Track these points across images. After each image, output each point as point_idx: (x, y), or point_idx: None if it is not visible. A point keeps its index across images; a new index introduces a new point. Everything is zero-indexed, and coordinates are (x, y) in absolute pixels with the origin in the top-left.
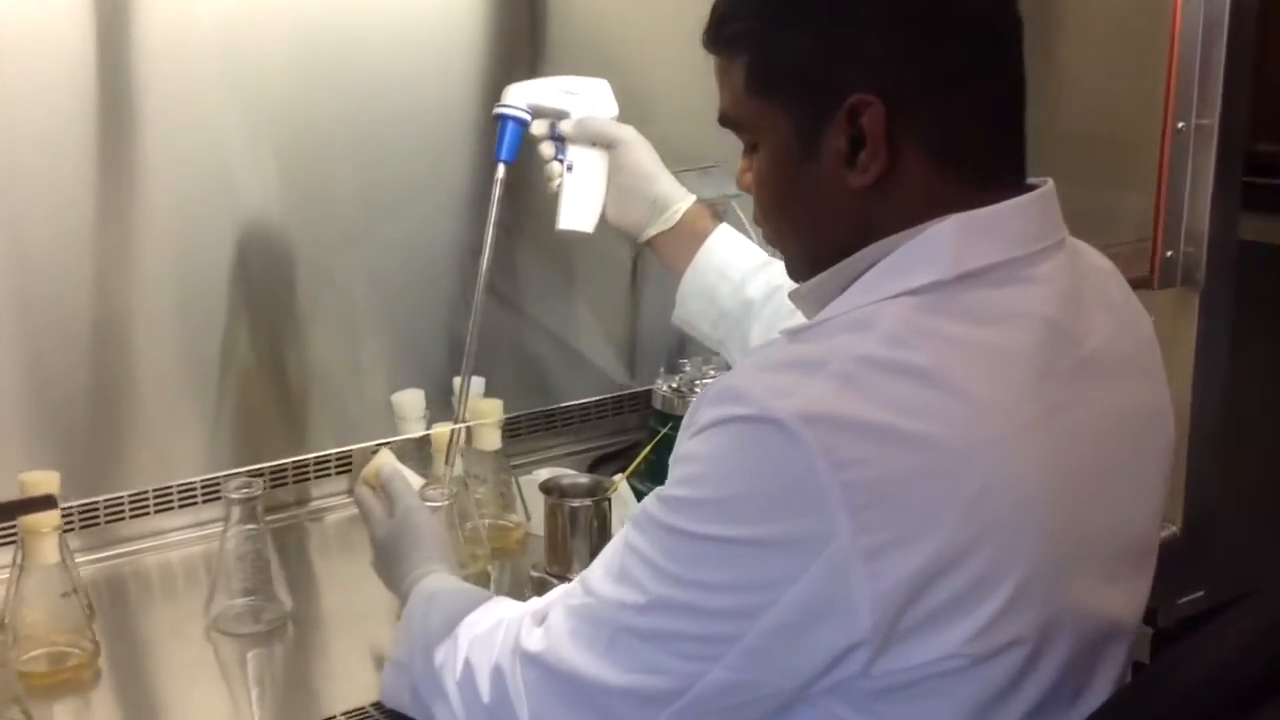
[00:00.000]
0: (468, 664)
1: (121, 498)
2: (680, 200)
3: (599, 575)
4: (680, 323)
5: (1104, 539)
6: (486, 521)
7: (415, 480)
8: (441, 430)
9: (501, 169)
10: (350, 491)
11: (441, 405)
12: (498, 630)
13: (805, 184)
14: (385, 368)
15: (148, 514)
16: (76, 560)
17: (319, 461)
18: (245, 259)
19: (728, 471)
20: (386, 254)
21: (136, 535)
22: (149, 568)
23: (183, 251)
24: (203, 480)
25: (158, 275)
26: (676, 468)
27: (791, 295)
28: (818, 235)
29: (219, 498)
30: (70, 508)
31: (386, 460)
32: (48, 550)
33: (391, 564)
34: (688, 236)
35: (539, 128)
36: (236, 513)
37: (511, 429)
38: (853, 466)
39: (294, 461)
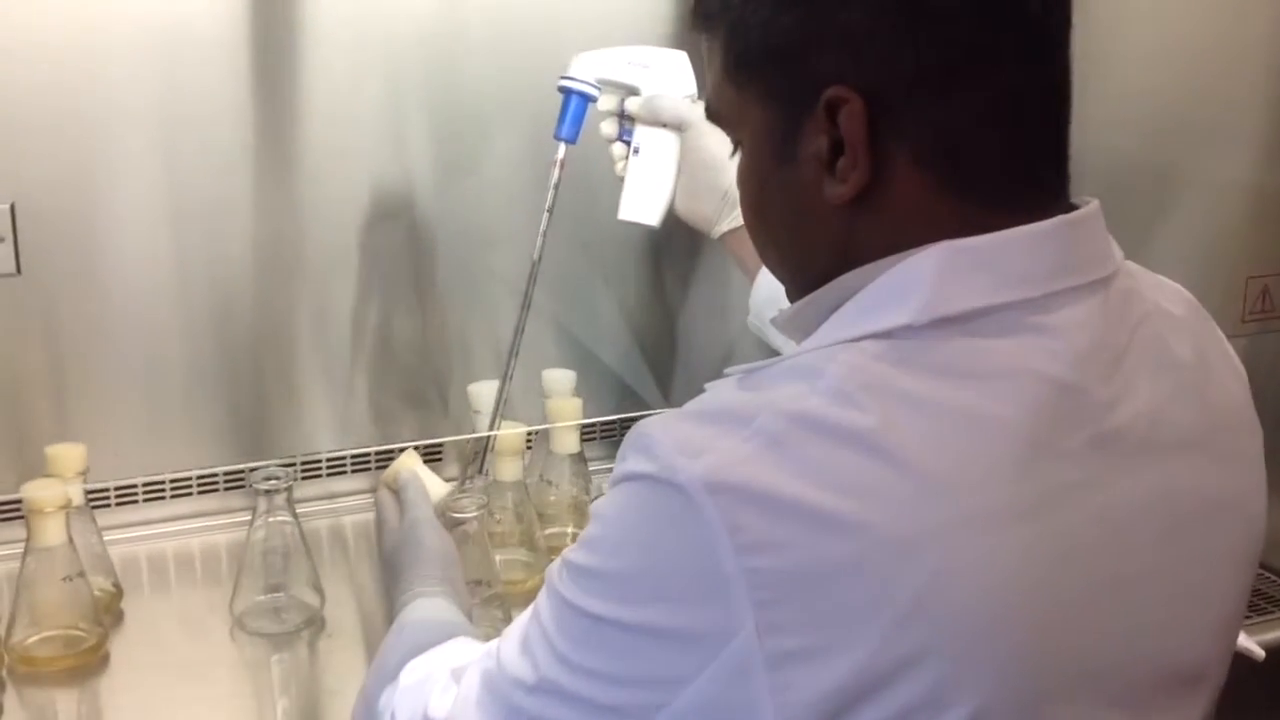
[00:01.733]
0: (393, 718)
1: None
2: None
3: (511, 638)
4: (755, 329)
5: (1128, 662)
6: (548, 530)
7: (439, 488)
8: (516, 431)
9: (563, 149)
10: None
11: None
12: (424, 685)
13: (782, 192)
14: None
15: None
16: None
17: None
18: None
19: (622, 540)
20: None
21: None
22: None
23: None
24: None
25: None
26: (587, 525)
27: (773, 321)
28: (797, 253)
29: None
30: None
31: (406, 464)
32: (53, 531)
33: (390, 580)
34: None
35: (606, 103)
36: (264, 503)
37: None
38: (762, 551)
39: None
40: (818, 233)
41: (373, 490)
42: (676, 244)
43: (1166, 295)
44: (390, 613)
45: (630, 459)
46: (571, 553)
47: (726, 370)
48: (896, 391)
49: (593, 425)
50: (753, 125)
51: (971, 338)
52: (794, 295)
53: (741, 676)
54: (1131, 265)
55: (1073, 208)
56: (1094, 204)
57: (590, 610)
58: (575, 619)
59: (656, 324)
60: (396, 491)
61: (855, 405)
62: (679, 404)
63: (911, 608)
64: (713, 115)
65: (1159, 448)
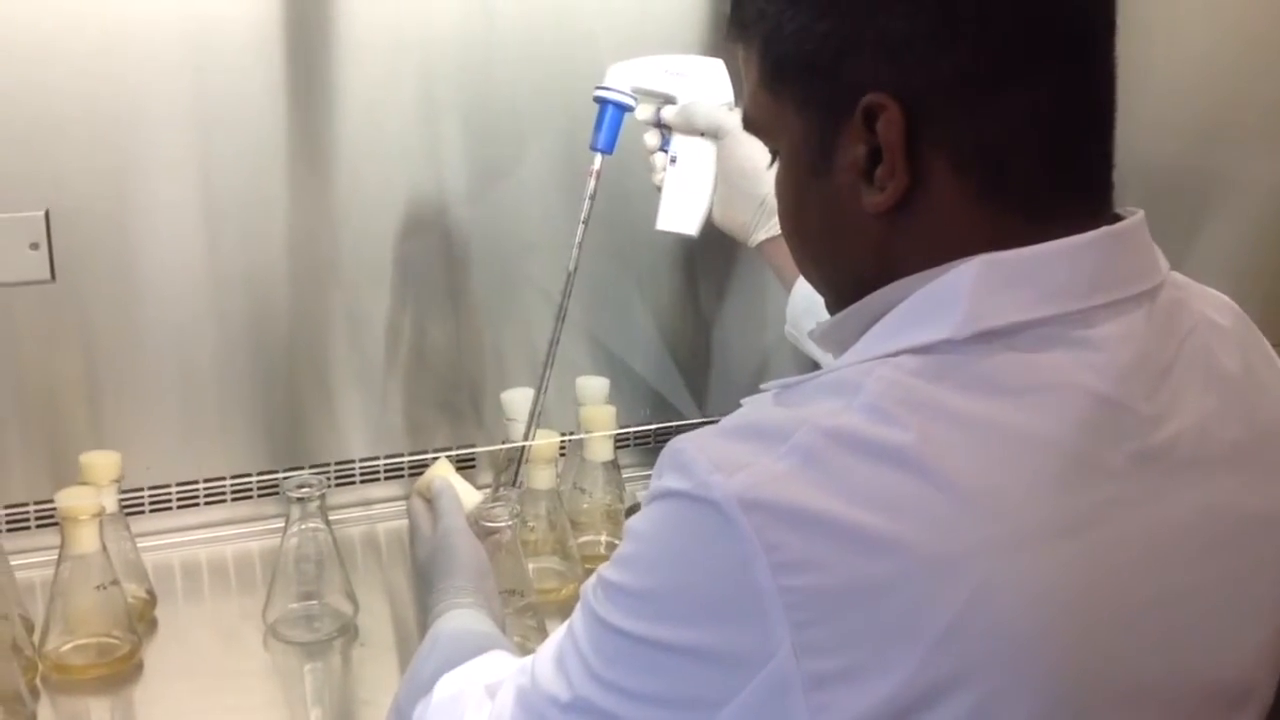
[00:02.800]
0: None
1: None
2: None
3: (545, 655)
4: (792, 338)
5: (1171, 680)
6: (582, 539)
7: (472, 496)
8: (549, 441)
9: (599, 160)
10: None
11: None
12: (458, 701)
13: (820, 200)
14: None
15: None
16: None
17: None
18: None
19: (657, 558)
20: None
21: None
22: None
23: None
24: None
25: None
26: (621, 543)
27: (811, 334)
28: (835, 265)
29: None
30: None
31: (440, 473)
32: (87, 539)
33: (423, 590)
34: None
35: (644, 112)
36: (297, 511)
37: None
38: (799, 570)
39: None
40: (855, 242)
41: (406, 497)
42: (712, 252)
43: (1213, 306)
44: (423, 622)
45: (665, 476)
46: (606, 570)
47: (763, 385)
48: (935, 407)
49: (626, 433)
50: (790, 134)
51: (1012, 352)
52: (832, 306)
53: (779, 698)
54: (1178, 276)
55: (1117, 218)
56: (1138, 215)
57: (624, 628)
58: (609, 637)
59: (691, 332)
60: (429, 500)
61: (893, 421)
62: (714, 413)
63: (951, 627)
64: (750, 124)
65: (1205, 464)
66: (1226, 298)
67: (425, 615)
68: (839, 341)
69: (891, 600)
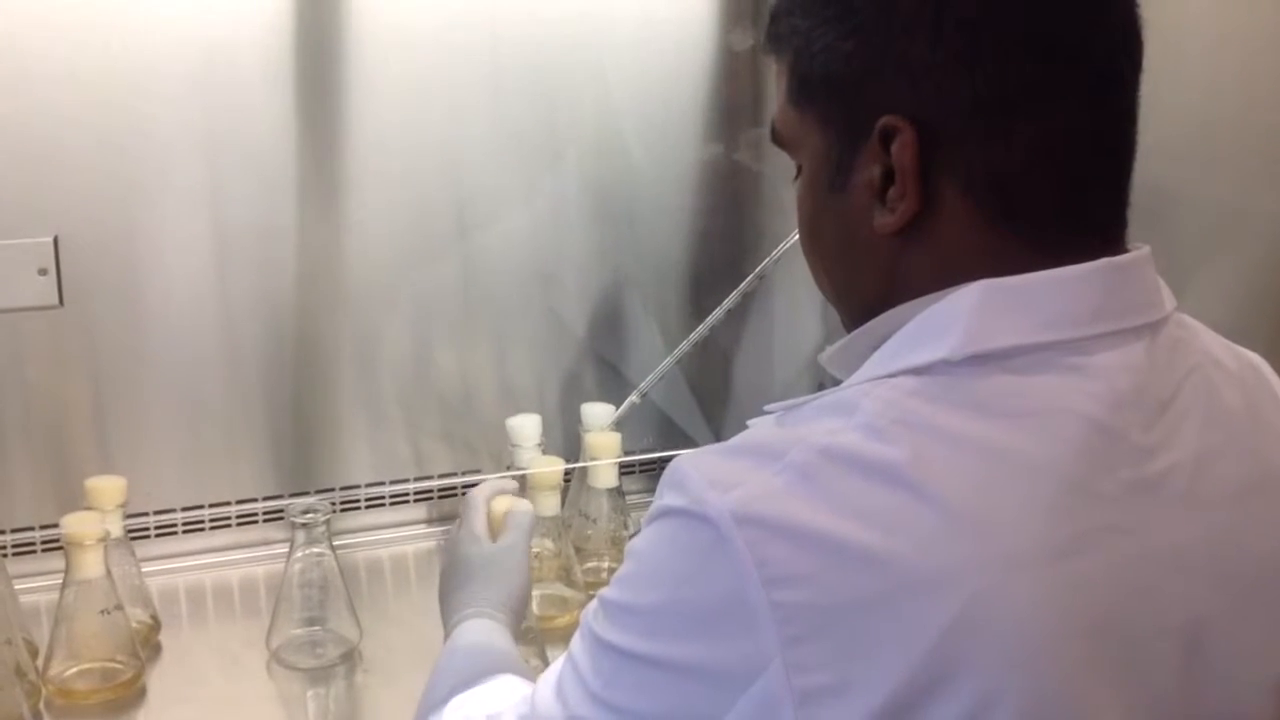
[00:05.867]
0: None
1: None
2: None
3: (545, 683)
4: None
5: (1164, 713)
6: (586, 565)
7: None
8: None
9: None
10: (429, 521)
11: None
12: None
13: (834, 218)
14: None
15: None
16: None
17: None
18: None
19: (653, 575)
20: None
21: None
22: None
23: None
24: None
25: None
26: (623, 564)
27: (821, 357)
28: (846, 280)
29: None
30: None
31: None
32: (92, 564)
33: (455, 580)
34: None
35: None
36: (302, 536)
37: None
38: (789, 584)
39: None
40: (865, 261)
41: (411, 522)
42: (719, 279)
43: (1219, 348)
44: (444, 612)
45: (664, 495)
46: (606, 591)
47: (767, 407)
48: (929, 427)
49: (631, 460)
50: (811, 149)
51: (1007, 375)
52: (847, 324)
53: (769, 713)
54: (1187, 319)
55: (1126, 252)
56: (1144, 250)
57: (621, 646)
58: (606, 656)
59: (697, 358)
60: (500, 512)
61: (887, 439)
62: (721, 439)
63: (940, 643)
64: (776, 138)
65: (1205, 500)
66: (1241, 348)
67: (447, 620)
68: (846, 365)
69: (881, 615)
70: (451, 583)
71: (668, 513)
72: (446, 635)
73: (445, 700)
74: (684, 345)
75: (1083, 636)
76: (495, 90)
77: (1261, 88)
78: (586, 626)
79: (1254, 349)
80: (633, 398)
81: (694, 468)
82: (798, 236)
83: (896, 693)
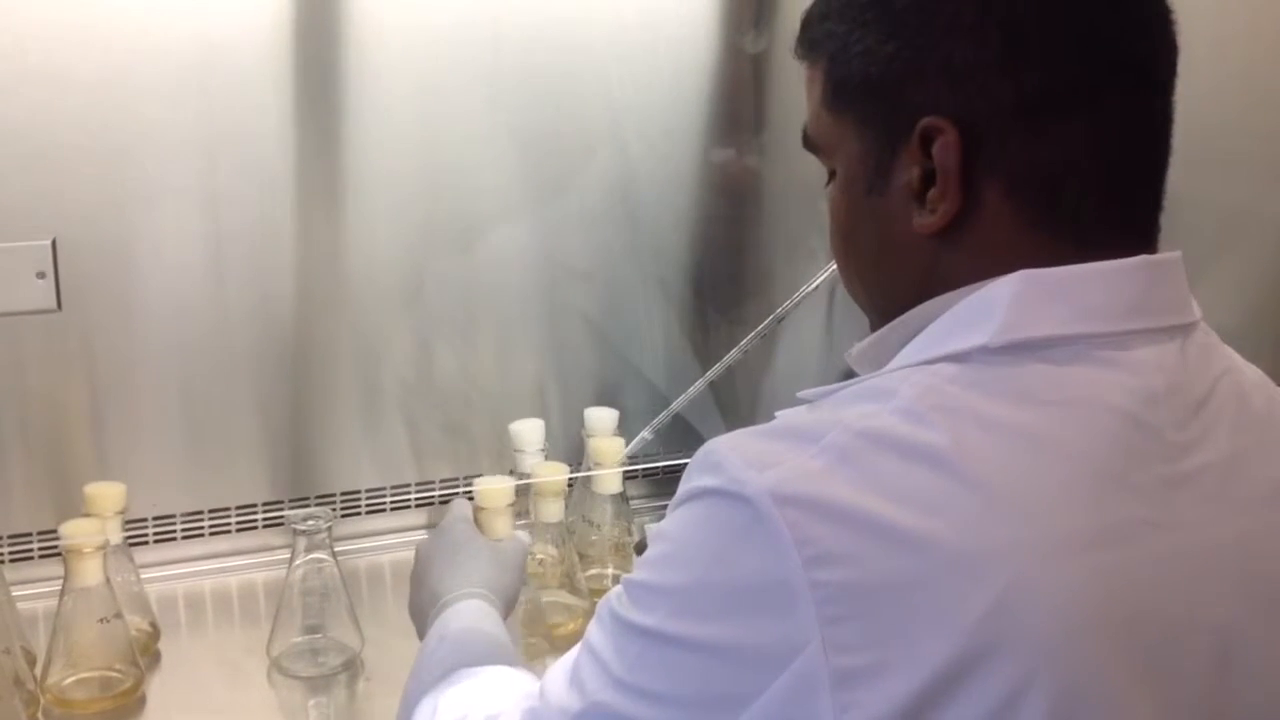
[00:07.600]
0: None
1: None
2: None
3: (556, 674)
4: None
5: (1198, 707)
6: (590, 572)
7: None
8: (551, 477)
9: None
10: (431, 526)
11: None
12: None
13: (872, 220)
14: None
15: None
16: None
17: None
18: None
19: (687, 555)
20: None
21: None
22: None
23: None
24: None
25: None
26: (648, 547)
27: (847, 355)
28: (881, 284)
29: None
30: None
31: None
32: (91, 571)
33: (443, 562)
34: None
35: None
36: (303, 543)
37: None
38: (829, 564)
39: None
40: (903, 263)
41: (413, 528)
42: (723, 282)
43: (1239, 362)
44: (425, 597)
45: (696, 477)
46: (632, 575)
47: (799, 394)
48: (968, 413)
49: (635, 467)
50: (847, 153)
51: (1045, 365)
52: (876, 327)
53: (806, 694)
54: (1208, 327)
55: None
56: (1176, 253)
57: (652, 628)
58: (634, 639)
59: (701, 365)
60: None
61: (926, 424)
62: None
63: (978, 626)
64: (809, 143)
65: (1236, 502)
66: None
67: (438, 584)
68: (875, 359)
69: (921, 596)
70: (439, 565)
71: (702, 494)
72: (433, 617)
73: (432, 687)
74: (711, 372)
75: (1116, 626)
76: (497, 91)
77: (1266, 90)
78: (607, 611)
79: (1260, 351)
80: (645, 434)
81: (731, 449)
82: (835, 267)
83: (934, 674)
